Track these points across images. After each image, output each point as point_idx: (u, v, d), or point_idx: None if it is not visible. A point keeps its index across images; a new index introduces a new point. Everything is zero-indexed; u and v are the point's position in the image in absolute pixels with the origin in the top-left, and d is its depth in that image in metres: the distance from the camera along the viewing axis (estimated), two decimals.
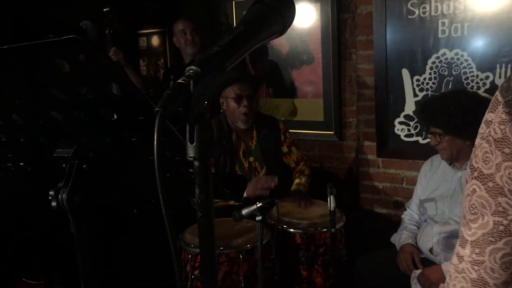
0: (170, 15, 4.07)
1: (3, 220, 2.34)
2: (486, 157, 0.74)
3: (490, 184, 0.73)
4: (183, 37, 3.38)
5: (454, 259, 0.81)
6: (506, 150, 0.72)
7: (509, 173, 0.71)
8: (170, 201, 0.65)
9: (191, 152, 0.69)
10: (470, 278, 0.77)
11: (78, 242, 1.12)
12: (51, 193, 1.08)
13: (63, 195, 1.07)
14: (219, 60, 0.69)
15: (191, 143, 0.68)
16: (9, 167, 1.20)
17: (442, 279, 2.18)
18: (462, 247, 0.79)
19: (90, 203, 1.09)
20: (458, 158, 2.34)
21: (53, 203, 1.07)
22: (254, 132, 2.88)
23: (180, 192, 1.13)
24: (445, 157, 2.38)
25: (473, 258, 0.76)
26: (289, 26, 0.83)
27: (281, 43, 3.60)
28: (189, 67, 0.67)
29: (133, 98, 0.80)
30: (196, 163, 0.69)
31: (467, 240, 0.78)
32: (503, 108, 0.73)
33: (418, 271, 2.28)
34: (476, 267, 0.76)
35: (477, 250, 0.76)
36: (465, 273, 0.78)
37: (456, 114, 2.24)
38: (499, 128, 0.73)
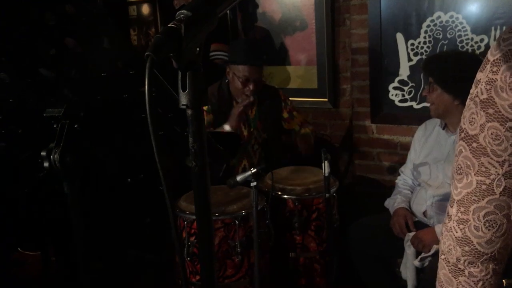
0: None
1: None
2: (472, 118, 0.76)
3: (474, 144, 0.75)
4: None
5: (446, 218, 0.84)
6: (490, 111, 0.73)
7: (491, 134, 0.73)
8: (164, 159, 0.64)
9: (183, 100, 0.67)
10: (455, 237, 0.79)
11: (71, 203, 1.11)
12: (43, 153, 1.06)
13: (55, 156, 1.05)
14: (211, 4, 0.67)
15: (183, 91, 0.66)
16: None
17: (435, 240, 2.20)
18: (451, 207, 0.82)
19: (83, 164, 1.07)
20: (446, 117, 2.33)
21: (45, 164, 1.06)
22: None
23: (175, 151, 1.12)
24: (432, 113, 2.37)
25: (459, 217, 0.79)
26: None
27: (273, 10, 3.53)
28: (180, 11, 0.64)
29: (125, 51, 0.78)
30: (188, 111, 0.67)
31: (454, 199, 0.80)
32: (491, 67, 0.74)
33: (412, 234, 2.30)
34: (461, 226, 0.78)
35: (462, 209, 0.78)
36: (452, 231, 0.80)
37: (452, 66, 2.22)
38: (485, 88, 0.74)
